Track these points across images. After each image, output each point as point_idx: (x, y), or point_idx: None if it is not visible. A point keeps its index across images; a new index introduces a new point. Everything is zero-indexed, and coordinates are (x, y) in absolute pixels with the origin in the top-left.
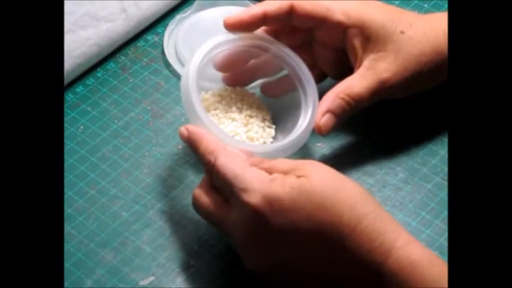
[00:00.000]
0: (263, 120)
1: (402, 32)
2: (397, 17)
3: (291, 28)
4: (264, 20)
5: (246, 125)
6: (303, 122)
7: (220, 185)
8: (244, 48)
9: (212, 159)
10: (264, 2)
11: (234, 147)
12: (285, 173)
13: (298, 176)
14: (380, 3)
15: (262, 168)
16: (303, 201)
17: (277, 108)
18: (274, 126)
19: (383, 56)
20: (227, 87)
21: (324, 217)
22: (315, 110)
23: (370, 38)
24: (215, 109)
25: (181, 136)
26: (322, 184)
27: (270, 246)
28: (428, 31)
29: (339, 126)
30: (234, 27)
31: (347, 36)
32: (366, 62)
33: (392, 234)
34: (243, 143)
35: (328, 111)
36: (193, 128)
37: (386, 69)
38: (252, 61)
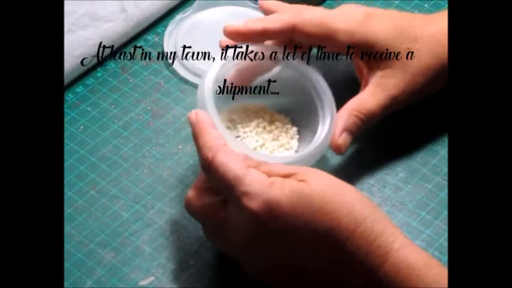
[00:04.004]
0: (286, 130)
1: (408, 49)
2: (402, 32)
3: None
4: (263, 35)
5: (271, 134)
6: (322, 132)
7: (217, 184)
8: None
9: (210, 155)
10: (266, 17)
11: (251, 156)
12: (284, 177)
13: (298, 181)
14: (386, 15)
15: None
16: (303, 206)
17: (295, 119)
18: (297, 135)
19: (390, 73)
20: (241, 103)
21: (323, 222)
22: (333, 119)
23: (375, 57)
24: (238, 124)
25: (190, 119)
26: (321, 189)
27: (270, 249)
28: (432, 46)
29: None
30: (231, 36)
31: (351, 55)
32: (374, 80)
33: (389, 237)
34: (260, 155)
35: (344, 130)
36: (202, 116)
37: (395, 85)
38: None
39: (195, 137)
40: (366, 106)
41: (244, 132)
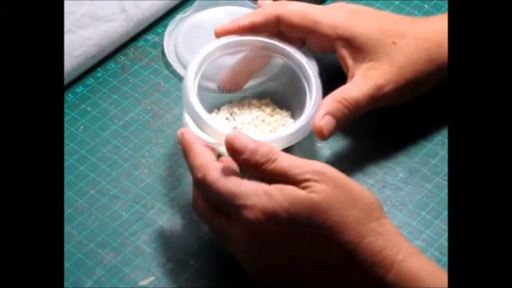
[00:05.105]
0: (284, 123)
1: (394, 43)
2: (388, 28)
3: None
4: (251, 30)
5: (269, 127)
6: (302, 116)
7: (214, 200)
8: (245, 51)
9: (200, 175)
10: (251, 12)
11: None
12: (287, 181)
13: (301, 188)
14: (372, 12)
15: (267, 171)
16: (302, 217)
17: (295, 113)
18: (292, 120)
19: (376, 65)
20: (245, 98)
21: (325, 234)
22: (315, 103)
23: (360, 49)
24: (238, 116)
25: (177, 139)
26: (324, 201)
27: (270, 255)
28: (420, 42)
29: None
30: (222, 36)
31: (336, 48)
32: (360, 71)
33: (393, 249)
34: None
35: (327, 113)
36: (187, 134)
37: (380, 76)
38: (242, 59)
39: (185, 157)
40: (351, 94)
41: (242, 124)
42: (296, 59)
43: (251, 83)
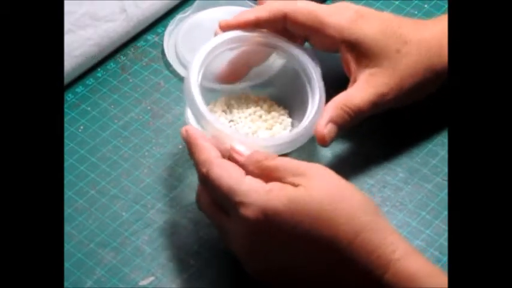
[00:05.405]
0: (281, 121)
1: (398, 51)
2: (393, 33)
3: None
4: (256, 25)
5: (265, 123)
6: (306, 120)
7: (216, 196)
8: (247, 48)
9: (204, 170)
10: (257, 7)
11: (238, 141)
12: (285, 178)
13: (297, 185)
14: (377, 16)
15: (263, 169)
16: (301, 214)
17: (293, 111)
18: (290, 127)
19: (379, 71)
20: (243, 92)
21: (322, 230)
22: (319, 110)
23: (364, 54)
24: (235, 110)
25: (182, 136)
26: (321, 196)
27: (270, 254)
28: (422, 49)
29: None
30: (226, 29)
31: (340, 50)
32: (363, 77)
33: (389, 247)
34: (246, 137)
35: (330, 121)
36: (192, 131)
37: (383, 83)
38: (242, 51)
39: (190, 153)
40: (354, 101)
41: (239, 118)
42: (299, 59)
43: (252, 82)
